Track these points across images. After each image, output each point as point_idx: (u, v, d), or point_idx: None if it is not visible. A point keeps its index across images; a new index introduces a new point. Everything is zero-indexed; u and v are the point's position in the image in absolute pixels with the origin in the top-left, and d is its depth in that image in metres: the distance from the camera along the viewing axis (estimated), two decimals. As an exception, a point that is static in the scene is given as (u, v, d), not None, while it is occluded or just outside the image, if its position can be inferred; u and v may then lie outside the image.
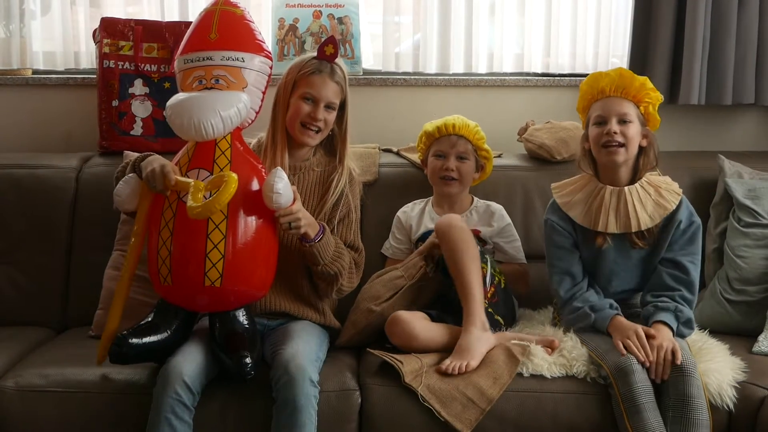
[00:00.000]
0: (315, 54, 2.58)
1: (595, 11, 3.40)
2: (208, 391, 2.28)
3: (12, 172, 2.96)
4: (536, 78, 3.39)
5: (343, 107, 2.61)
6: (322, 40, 2.73)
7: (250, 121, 2.44)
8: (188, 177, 2.30)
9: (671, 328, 2.40)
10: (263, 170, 2.42)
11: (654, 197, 2.53)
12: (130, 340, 2.25)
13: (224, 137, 2.35)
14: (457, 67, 3.39)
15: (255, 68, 2.43)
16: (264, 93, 2.48)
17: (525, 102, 3.36)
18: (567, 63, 3.42)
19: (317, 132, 2.58)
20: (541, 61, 3.42)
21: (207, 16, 2.45)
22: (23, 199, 2.93)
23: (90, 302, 2.80)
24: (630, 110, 2.51)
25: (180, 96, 2.37)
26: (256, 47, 2.44)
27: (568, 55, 3.41)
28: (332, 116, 2.59)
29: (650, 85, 2.53)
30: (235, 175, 2.20)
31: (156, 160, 2.35)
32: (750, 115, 3.43)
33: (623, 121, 2.50)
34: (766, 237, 2.79)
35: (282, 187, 2.29)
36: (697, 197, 2.87)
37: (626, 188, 2.53)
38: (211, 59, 2.38)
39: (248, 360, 2.24)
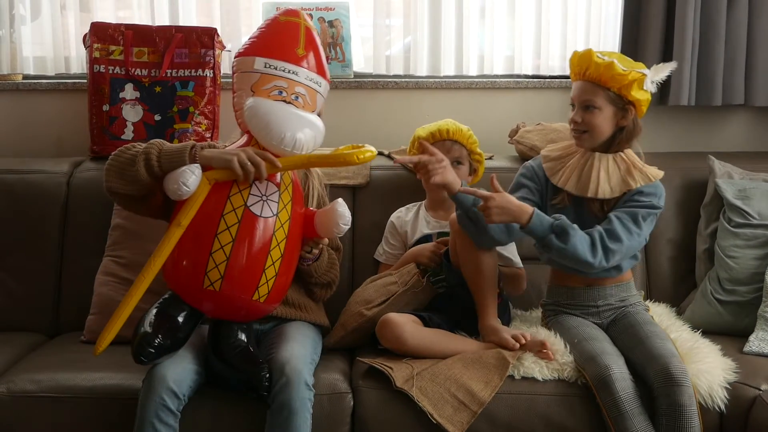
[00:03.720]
0: None
1: (585, 13, 3.40)
2: (199, 397, 2.28)
3: (3, 177, 2.95)
4: (527, 80, 3.39)
5: None
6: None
7: None
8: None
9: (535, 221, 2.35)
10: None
11: (623, 173, 2.50)
12: (155, 340, 2.19)
13: None
14: (447, 69, 3.39)
15: (324, 94, 2.41)
16: None
17: (516, 104, 3.36)
18: (557, 65, 3.42)
19: None
20: (531, 63, 3.43)
21: (293, 27, 2.36)
22: (14, 204, 2.92)
23: (82, 307, 2.79)
24: (595, 96, 2.45)
25: (277, 105, 2.28)
26: (326, 73, 2.41)
27: (558, 57, 3.42)
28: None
29: (619, 69, 2.41)
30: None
31: (238, 151, 2.25)
32: (740, 116, 3.44)
33: (587, 107, 2.48)
34: (756, 237, 2.80)
35: (349, 218, 2.35)
36: (688, 198, 2.88)
37: (597, 153, 2.51)
38: (296, 74, 2.32)
39: (267, 374, 2.24)
